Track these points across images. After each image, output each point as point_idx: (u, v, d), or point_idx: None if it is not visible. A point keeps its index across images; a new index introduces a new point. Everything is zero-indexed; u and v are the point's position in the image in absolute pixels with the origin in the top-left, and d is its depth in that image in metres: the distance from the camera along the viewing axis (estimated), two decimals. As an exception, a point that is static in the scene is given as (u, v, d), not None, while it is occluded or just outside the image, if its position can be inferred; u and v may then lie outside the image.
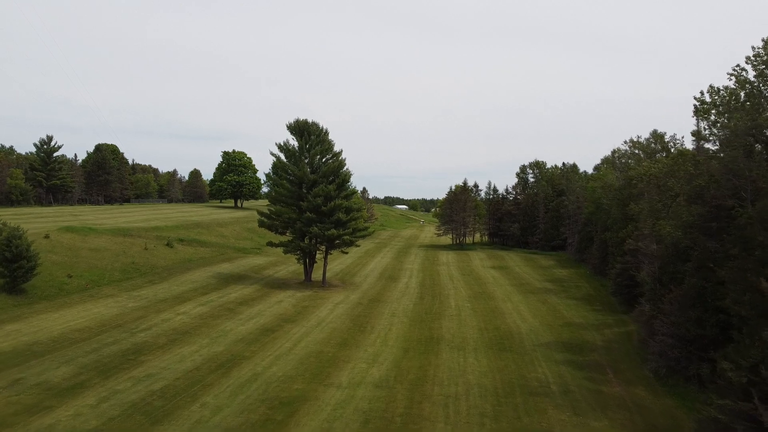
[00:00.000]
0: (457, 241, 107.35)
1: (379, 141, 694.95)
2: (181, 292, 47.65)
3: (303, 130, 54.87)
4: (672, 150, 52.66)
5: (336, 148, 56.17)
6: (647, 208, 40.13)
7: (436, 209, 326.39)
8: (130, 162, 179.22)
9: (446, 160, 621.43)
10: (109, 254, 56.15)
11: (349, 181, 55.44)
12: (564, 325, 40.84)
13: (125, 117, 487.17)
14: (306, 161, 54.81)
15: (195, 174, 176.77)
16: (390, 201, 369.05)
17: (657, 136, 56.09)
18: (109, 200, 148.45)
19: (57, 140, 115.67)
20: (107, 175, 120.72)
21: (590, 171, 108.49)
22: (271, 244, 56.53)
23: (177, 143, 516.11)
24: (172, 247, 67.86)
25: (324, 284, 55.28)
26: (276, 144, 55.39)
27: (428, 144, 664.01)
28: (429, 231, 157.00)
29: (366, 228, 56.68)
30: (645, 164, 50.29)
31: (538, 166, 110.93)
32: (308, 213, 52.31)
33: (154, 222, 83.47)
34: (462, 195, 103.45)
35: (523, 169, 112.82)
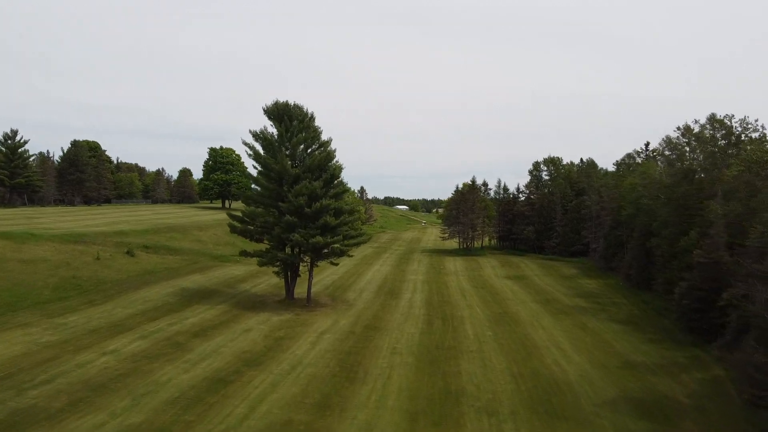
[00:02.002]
0: (465, 245, 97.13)
1: (378, 140, 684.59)
2: (123, 317, 37.37)
3: (283, 114, 44.67)
4: (744, 137, 42.34)
5: (324, 137, 46.05)
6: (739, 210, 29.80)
7: (438, 210, 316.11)
8: (114, 160, 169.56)
9: (447, 160, 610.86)
10: (45, 267, 45.89)
11: (339, 177, 45.21)
12: (623, 367, 30.55)
13: (127, 117, 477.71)
14: (287, 152, 44.60)
15: (184, 173, 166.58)
16: (390, 201, 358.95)
17: (717, 122, 45.73)
18: (88, 201, 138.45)
19: (23, 135, 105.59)
20: (80, 173, 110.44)
21: (609, 168, 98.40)
22: (245, 253, 46.24)
23: (184, 143, 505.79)
24: (133, 255, 57.62)
25: (309, 303, 45.04)
26: (250, 132, 45.31)
27: (429, 144, 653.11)
28: (432, 233, 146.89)
29: (361, 234, 46.34)
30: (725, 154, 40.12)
31: (553, 162, 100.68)
32: (288, 216, 42.11)
33: (122, 225, 73.26)
34: (470, 194, 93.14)
35: (536, 165, 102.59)
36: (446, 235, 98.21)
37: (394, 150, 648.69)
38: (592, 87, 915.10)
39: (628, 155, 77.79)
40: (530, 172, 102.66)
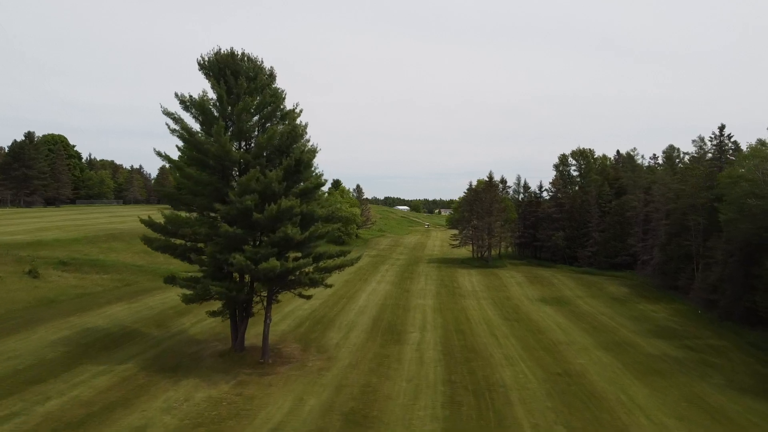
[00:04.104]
0: (479, 254, 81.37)
1: (378, 140, 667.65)
2: (-73, 403, 21.62)
3: (224, 69, 28.98)
4: None
5: (288, 104, 30.37)
6: None
7: (440, 211, 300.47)
8: (85, 157, 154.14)
9: (448, 160, 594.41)
10: None
11: (311, 166, 29.37)
12: None
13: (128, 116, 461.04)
14: (230, 127, 28.93)
15: (164, 171, 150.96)
16: (390, 201, 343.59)
17: None
18: (51, 202, 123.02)
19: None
20: (27, 169, 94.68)
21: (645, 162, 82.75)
22: (171, 280, 30.36)
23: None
24: (36, 276, 41.99)
25: (264, 358, 29.26)
26: (176, 96, 29.44)
27: (429, 143, 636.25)
28: (437, 237, 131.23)
29: (344, 253, 30.25)
30: None
31: (583, 155, 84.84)
32: (227, 226, 26.37)
33: (49, 233, 57.60)
34: (487, 193, 77.23)
35: (563, 159, 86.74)
36: (457, 242, 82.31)
37: (394, 150, 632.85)
38: (594, 86, 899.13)
39: (696, 142, 61.33)
40: (556, 166, 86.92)
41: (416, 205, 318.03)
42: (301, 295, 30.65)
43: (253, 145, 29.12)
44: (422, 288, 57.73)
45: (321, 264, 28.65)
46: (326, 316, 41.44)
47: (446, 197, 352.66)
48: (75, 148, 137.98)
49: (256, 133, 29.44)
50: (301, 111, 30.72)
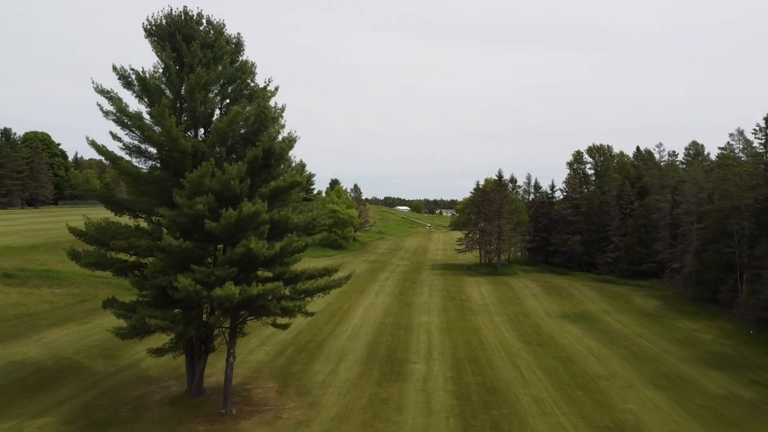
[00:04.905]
0: (487, 260, 74.73)
1: (378, 140, 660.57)
2: None
3: (174, 33, 22.34)
4: None
5: (259, 80, 23.92)
6: None
7: (441, 211, 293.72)
8: (72, 156, 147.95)
9: (449, 160, 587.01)
10: None
11: (286, 157, 22.60)
12: None
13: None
14: (178, 106, 22.30)
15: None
16: (390, 202, 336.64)
17: None
18: (31, 203, 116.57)
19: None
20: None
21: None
22: (109, 304, 23.57)
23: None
24: (-32, 293, 35.27)
25: (226, 407, 22.52)
26: (114, 68, 22.79)
27: (430, 143, 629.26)
28: (440, 239, 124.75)
29: (330, 273, 23.31)
30: None
31: (600, 151, 78.11)
32: (171, 239, 19.69)
33: (3, 239, 50.93)
34: (496, 194, 70.47)
35: (577, 156, 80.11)
36: (463, 246, 75.59)
37: (394, 150, 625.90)
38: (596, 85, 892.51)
39: (734, 136, 54.67)
40: (569, 164, 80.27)
41: (417, 206, 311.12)
42: (275, 325, 23.95)
43: (208, 128, 22.47)
44: (426, 301, 51.05)
45: (299, 286, 21.91)
46: (313, 341, 34.74)
47: (447, 197, 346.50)
48: (60, 147, 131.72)
49: (214, 106, 22.73)
50: (276, 89, 24.15)
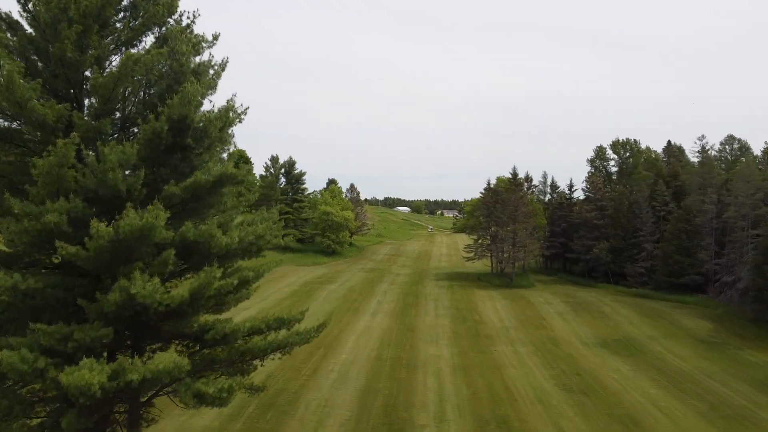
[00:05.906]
0: (499, 268, 66.18)
1: (378, 140, 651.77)
2: None
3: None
4: None
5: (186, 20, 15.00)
6: None
7: (443, 212, 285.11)
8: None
9: (449, 159, 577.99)
10: None
11: (216, 136, 13.89)
12: None
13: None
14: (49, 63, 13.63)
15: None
16: (391, 202, 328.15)
17: None
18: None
19: None
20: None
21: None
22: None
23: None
24: None
25: None
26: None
27: (431, 142, 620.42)
28: (443, 243, 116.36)
29: (289, 323, 14.56)
30: None
31: (627, 146, 69.49)
32: (2, 273, 11.02)
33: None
34: (511, 194, 61.78)
35: (600, 152, 71.58)
36: (472, 253, 66.96)
37: (395, 149, 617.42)
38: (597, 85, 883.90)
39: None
40: (591, 161, 71.56)
41: (418, 206, 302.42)
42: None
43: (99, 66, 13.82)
44: (432, 324, 42.44)
45: (237, 346, 13.25)
46: (286, 390, 26.13)
47: (448, 197, 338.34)
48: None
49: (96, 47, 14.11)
50: (216, 38, 15.42)
